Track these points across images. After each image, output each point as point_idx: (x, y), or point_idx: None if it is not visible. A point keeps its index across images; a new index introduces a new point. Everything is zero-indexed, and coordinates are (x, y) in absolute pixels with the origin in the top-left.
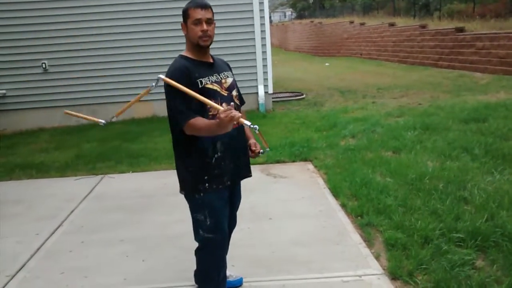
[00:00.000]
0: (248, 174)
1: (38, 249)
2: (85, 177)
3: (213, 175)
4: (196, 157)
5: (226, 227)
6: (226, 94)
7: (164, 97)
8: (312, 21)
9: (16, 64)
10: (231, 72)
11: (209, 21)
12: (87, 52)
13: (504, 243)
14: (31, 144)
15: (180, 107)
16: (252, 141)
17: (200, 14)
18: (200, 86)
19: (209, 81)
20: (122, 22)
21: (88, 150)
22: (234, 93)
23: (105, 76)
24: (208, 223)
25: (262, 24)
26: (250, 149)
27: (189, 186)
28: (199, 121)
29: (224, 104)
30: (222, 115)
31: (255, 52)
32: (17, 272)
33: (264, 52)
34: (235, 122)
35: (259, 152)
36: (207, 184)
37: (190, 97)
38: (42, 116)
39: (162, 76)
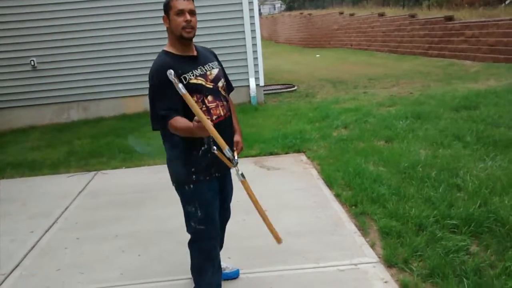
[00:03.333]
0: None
1: (33, 246)
2: (78, 174)
3: (200, 167)
4: (182, 149)
5: (217, 218)
6: (211, 87)
7: None
8: (301, 13)
9: (4, 62)
10: (217, 60)
11: (192, 12)
12: (77, 49)
13: (497, 228)
14: (22, 142)
15: (161, 110)
16: (236, 138)
17: (183, 4)
18: (184, 82)
19: (193, 75)
20: (111, 17)
21: (80, 147)
22: (220, 84)
23: (95, 72)
24: (199, 214)
25: (252, 17)
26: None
27: (177, 178)
28: (179, 121)
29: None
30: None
31: (245, 45)
32: (13, 270)
33: (254, 45)
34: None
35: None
36: (194, 176)
37: (176, 98)
38: (32, 114)
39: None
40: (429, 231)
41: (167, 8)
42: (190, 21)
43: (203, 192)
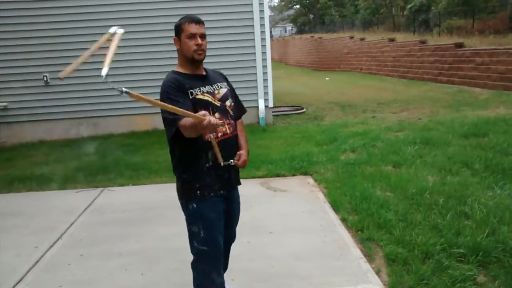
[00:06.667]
0: (238, 182)
1: (37, 262)
2: (85, 190)
3: (204, 183)
4: (188, 166)
5: (221, 240)
6: (219, 104)
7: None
8: (312, 36)
9: (18, 76)
10: (227, 82)
11: (203, 36)
12: (89, 65)
13: (506, 259)
14: (31, 156)
15: (171, 115)
16: (240, 151)
17: (194, 28)
18: (190, 97)
19: (200, 91)
20: (123, 36)
21: (88, 163)
22: (228, 103)
23: (105, 89)
24: (202, 235)
25: (263, 39)
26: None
27: (182, 194)
28: (187, 120)
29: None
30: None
31: (255, 67)
32: (15, 285)
33: (264, 67)
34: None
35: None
36: (198, 192)
37: (183, 103)
38: (42, 129)
39: (125, 89)
40: (435, 259)
41: (178, 30)
42: (201, 45)
43: (206, 212)
